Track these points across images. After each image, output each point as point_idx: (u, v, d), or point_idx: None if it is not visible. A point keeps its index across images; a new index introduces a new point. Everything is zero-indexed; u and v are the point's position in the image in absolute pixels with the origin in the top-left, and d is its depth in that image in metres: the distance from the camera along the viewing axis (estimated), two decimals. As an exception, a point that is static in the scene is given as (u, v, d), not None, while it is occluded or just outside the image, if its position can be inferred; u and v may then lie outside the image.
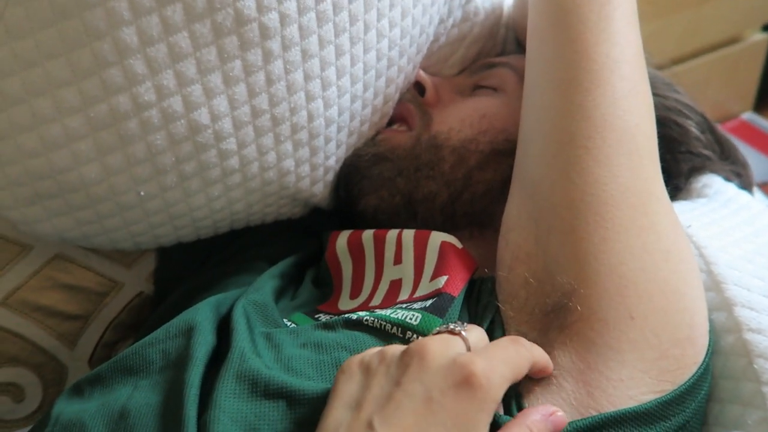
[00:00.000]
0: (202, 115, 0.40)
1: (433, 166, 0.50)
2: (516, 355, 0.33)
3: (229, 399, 0.35)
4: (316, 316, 0.46)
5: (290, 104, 0.43)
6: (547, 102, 0.43)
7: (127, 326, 0.58)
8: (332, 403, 0.31)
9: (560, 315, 0.37)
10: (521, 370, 0.33)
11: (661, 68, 0.63)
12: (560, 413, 0.33)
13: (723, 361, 0.39)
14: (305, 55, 0.42)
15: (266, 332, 0.41)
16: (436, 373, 0.30)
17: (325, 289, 0.51)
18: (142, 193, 0.41)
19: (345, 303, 0.48)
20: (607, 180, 0.39)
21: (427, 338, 0.32)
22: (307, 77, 0.43)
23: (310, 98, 0.44)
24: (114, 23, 0.35)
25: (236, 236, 0.57)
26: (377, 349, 0.34)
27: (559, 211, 0.39)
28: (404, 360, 0.31)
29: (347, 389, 0.31)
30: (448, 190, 0.50)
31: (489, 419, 0.30)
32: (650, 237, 0.38)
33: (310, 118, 0.45)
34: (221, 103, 0.40)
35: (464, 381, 0.30)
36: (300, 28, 0.40)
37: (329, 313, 0.46)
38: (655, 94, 0.54)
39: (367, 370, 0.32)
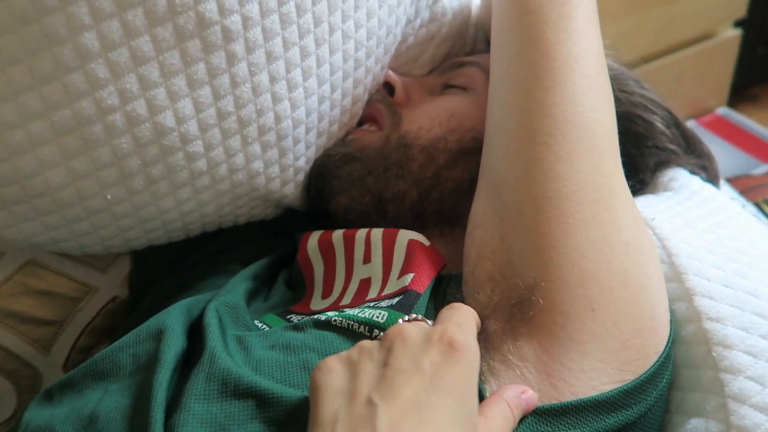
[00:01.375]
0: (167, 118, 0.40)
1: (403, 165, 0.50)
2: (470, 316, 0.35)
3: (199, 401, 0.35)
4: (288, 317, 0.46)
5: (256, 106, 0.43)
6: (510, 100, 0.44)
7: (102, 331, 0.58)
8: (320, 397, 0.31)
9: (524, 308, 0.38)
10: (477, 328, 0.35)
11: (633, 66, 0.64)
12: (531, 392, 0.35)
13: (684, 351, 0.40)
14: (270, 57, 0.42)
15: (238, 335, 0.41)
16: (420, 347, 0.31)
17: (298, 290, 0.51)
18: (109, 197, 0.42)
19: (317, 303, 0.48)
20: (568, 176, 0.39)
21: (400, 324, 0.34)
22: (273, 79, 0.43)
23: (276, 100, 0.44)
24: (74, 28, 0.35)
25: (210, 238, 0.57)
26: (351, 348, 0.34)
27: (522, 207, 0.40)
28: (385, 344, 0.32)
29: (333, 382, 0.31)
30: (418, 189, 0.50)
31: (477, 378, 0.32)
32: (611, 230, 0.39)
33: (278, 119, 0.45)
34: (186, 106, 0.40)
35: (448, 348, 0.31)
36: (263, 30, 0.41)
37: (301, 314, 0.47)
38: (621, 91, 0.55)
39: (349, 362, 0.32)
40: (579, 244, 0.38)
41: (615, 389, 0.35)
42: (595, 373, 0.35)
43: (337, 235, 0.49)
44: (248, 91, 0.42)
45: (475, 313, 0.36)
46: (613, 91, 0.50)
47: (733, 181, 1.05)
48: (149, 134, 0.40)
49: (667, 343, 0.38)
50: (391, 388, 0.30)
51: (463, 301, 0.41)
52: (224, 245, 0.57)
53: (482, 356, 0.37)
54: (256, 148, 0.46)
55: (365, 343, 0.33)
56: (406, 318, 0.35)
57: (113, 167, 0.40)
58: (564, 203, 0.39)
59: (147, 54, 0.37)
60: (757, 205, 0.99)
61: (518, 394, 0.34)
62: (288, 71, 0.44)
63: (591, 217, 0.39)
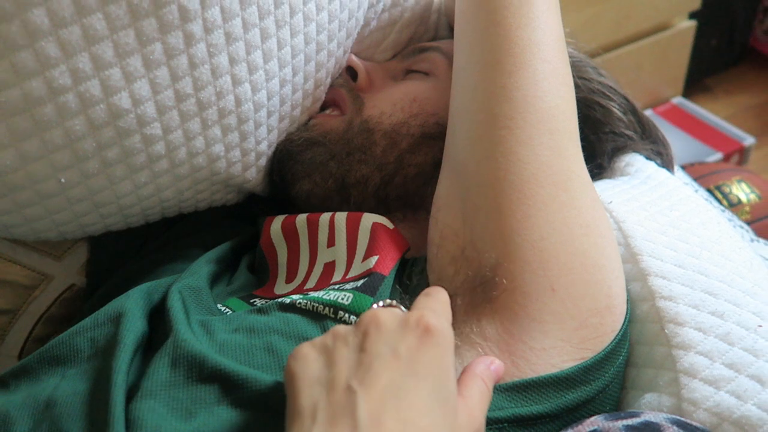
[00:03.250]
0: (123, 100, 0.39)
1: (365, 150, 0.50)
2: (445, 302, 0.35)
3: (163, 385, 0.35)
4: (252, 300, 0.46)
5: (216, 88, 0.43)
6: (472, 84, 0.44)
7: (60, 320, 0.56)
8: (297, 386, 0.30)
9: (486, 288, 0.38)
10: (450, 312, 0.35)
11: (593, 55, 0.65)
12: (498, 361, 0.35)
13: (639, 328, 0.41)
14: (229, 38, 0.41)
15: (201, 319, 0.41)
16: (396, 333, 0.31)
17: (261, 275, 0.51)
18: (62, 180, 0.40)
19: (281, 287, 0.48)
20: (529, 159, 0.40)
21: (374, 309, 0.33)
22: (233, 61, 0.42)
23: (236, 82, 0.44)
24: (22, 4, 0.34)
25: (171, 224, 0.56)
26: (324, 335, 0.33)
27: (484, 189, 0.41)
28: (360, 330, 0.32)
29: (309, 370, 0.31)
30: (381, 174, 0.50)
31: (453, 361, 0.32)
32: (570, 212, 0.40)
33: (238, 102, 0.45)
34: (143, 87, 0.39)
35: (424, 333, 0.31)
36: (222, 10, 0.40)
37: (265, 298, 0.46)
38: (580, 77, 0.56)
39: (324, 349, 0.32)
40: (540, 225, 0.38)
41: (574, 366, 0.36)
42: (555, 351, 0.36)
43: (301, 219, 0.49)
44: (207, 72, 0.42)
45: (448, 298, 0.36)
46: (573, 78, 0.51)
47: (687, 168, 1.08)
48: (104, 116, 0.39)
49: (624, 321, 0.39)
50: (369, 375, 0.29)
51: (427, 284, 0.42)
52: (185, 230, 0.56)
53: None
54: (217, 131, 0.45)
55: (339, 328, 0.33)
56: (381, 304, 0.35)
57: (66, 150, 0.39)
58: (525, 186, 0.39)
59: (100, 33, 0.36)
60: (710, 191, 1.02)
61: (488, 366, 0.35)
62: (248, 53, 0.43)
63: (551, 199, 0.39)
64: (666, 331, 0.39)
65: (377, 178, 0.50)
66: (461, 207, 0.42)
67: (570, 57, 0.55)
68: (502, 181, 0.40)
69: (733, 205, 1.02)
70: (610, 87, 0.58)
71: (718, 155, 1.30)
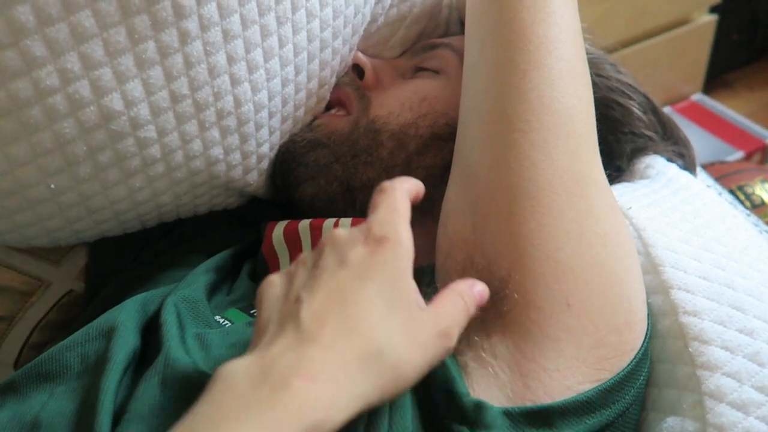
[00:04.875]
0: (114, 101, 0.37)
1: (372, 152, 0.48)
2: (395, 208, 0.34)
3: (152, 408, 0.33)
4: (252, 311, 0.44)
5: (213, 88, 0.41)
6: (484, 84, 0.41)
7: (57, 327, 0.55)
8: (260, 308, 0.32)
9: (497, 302, 0.36)
10: (409, 215, 0.34)
11: (609, 51, 0.62)
12: (481, 285, 0.34)
13: (660, 345, 0.39)
14: (227, 35, 0.39)
15: (197, 333, 0.39)
16: (348, 242, 0.32)
17: None
18: (52, 186, 0.39)
19: None
20: (544, 164, 0.38)
21: (333, 230, 0.34)
22: (231, 59, 0.40)
23: (235, 82, 0.41)
24: (6, 1, 0.32)
25: (171, 228, 0.54)
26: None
27: (496, 196, 0.38)
28: (318, 249, 0.33)
29: (271, 292, 0.32)
30: (388, 177, 0.48)
31: (410, 269, 0.32)
32: (587, 221, 0.37)
33: (237, 103, 0.43)
34: (135, 88, 0.37)
35: (375, 243, 0.31)
36: (219, 6, 0.38)
37: None
38: (598, 75, 0.53)
39: (287, 273, 0.33)
40: (554, 235, 0.36)
41: (593, 389, 0.34)
42: (570, 372, 0.34)
43: (304, 225, 0.47)
44: (204, 72, 0.40)
45: (404, 194, 0.35)
46: (591, 76, 0.48)
47: (708, 167, 1.05)
48: (95, 118, 0.37)
49: (645, 338, 0.37)
50: (316, 283, 0.31)
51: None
52: (185, 235, 0.55)
53: (456, 352, 0.35)
54: (215, 133, 0.43)
55: (305, 253, 0.34)
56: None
57: (56, 153, 0.37)
58: (539, 193, 0.37)
59: (89, 30, 0.34)
60: (732, 192, 0.99)
61: (470, 286, 0.34)
62: (247, 51, 0.41)
63: (567, 207, 0.37)
64: (690, 349, 0.36)
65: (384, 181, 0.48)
66: (471, 213, 0.39)
67: (587, 53, 0.52)
68: (515, 187, 0.37)
69: (756, 207, 0.98)
70: (630, 85, 0.55)
71: (739, 153, 1.26)
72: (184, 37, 0.37)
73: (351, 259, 0.31)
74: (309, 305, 0.29)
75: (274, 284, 0.32)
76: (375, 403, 0.29)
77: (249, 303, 0.46)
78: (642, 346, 0.36)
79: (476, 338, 0.35)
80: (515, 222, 0.37)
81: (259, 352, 0.29)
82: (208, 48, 0.39)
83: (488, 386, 0.34)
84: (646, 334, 0.37)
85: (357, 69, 0.53)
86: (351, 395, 0.28)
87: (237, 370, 0.28)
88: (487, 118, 0.40)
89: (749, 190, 1.00)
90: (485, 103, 0.41)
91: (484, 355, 0.35)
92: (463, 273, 0.38)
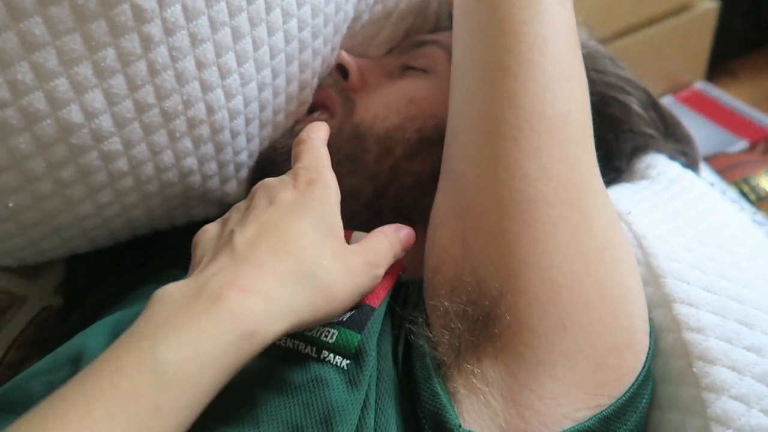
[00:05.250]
0: (73, 113, 0.35)
1: (356, 159, 0.46)
2: (323, 155, 0.37)
3: None
4: None
5: (183, 96, 0.38)
6: (472, 87, 0.39)
7: (35, 344, 0.53)
8: (195, 250, 0.34)
9: (488, 324, 0.34)
10: (329, 162, 0.38)
11: (609, 41, 0.59)
12: (408, 229, 0.38)
13: (663, 363, 0.36)
14: (194, 39, 0.37)
15: None
16: (278, 186, 0.34)
17: None
18: (11, 205, 0.36)
19: None
20: (538, 174, 0.35)
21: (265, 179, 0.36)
22: (200, 65, 0.38)
23: (206, 88, 0.39)
24: (-54, 9, 0.29)
25: (151, 237, 0.52)
26: None
27: (486, 209, 0.36)
28: (250, 195, 0.35)
29: (206, 236, 0.34)
30: (373, 185, 0.46)
31: (337, 208, 0.35)
32: (584, 235, 0.35)
33: (210, 110, 0.40)
34: (95, 99, 0.35)
35: (305, 183, 0.34)
36: (184, 8, 0.35)
37: None
38: (595, 70, 0.50)
39: (222, 220, 0.35)
40: (549, 252, 0.34)
41: (592, 418, 0.32)
42: (567, 399, 0.32)
43: None
44: (171, 79, 0.37)
45: (323, 142, 0.38)
46: (586, 71, 0.45)
47: (710, 160, 1.02)
48: (53, 132, 0.35)
49: (647, 358, 0.35)
50: (248, 218, 0.33)
51: (426, 312, 0.37)
52: (166, 245, 0.52)
53: (445, 377, 0.33)
54: (187, 143, 0.40)
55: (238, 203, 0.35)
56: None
57: (12, 171, 0.35)
58: (532, 206, 0.34)
59: (40, 39, 0.32)
60: (737, 186, 0.96)
61: (395, 230, 0.37)
62: (218, 55, 0.38)
63: (563, 221, 0.34)
64: (694, 369, 0.34)
65: (369, 190, 0.46)
66: (461, 228, 0.37)
67: (583, 47, 0.49)
68: (507, 200, 0.35)
69: (762, 199, 0.95)
70: (628, 80, 0.52)
71: (743, 143, 1.23)
72: (146, 43, 0.35)
73: (282, 198, 0.33)
74: (242, 234, 0.31)
75: (208, 229, 0.34)
76: (307, 321, 0.30)
77: None
78: (644, 367, 0.34)
79: (467, 364, 0.33)
80: (507, 238, 0.34)
81: (193, 276, 0.30)
82: (174, 53, 0.36)
83: (479, 415, 0.32)
84: (648, 353, 0.35)
85: (341, 69, 0.50)
86: (283, 310, 0.29)
87: (172, 290, 0.29)
88: (475, 124, 0.38)
89: (754, 182, 0.97)
90: (474, 109, 0.38)
91: (474, 381, 0.33)
92: (453, 292, 0.35)
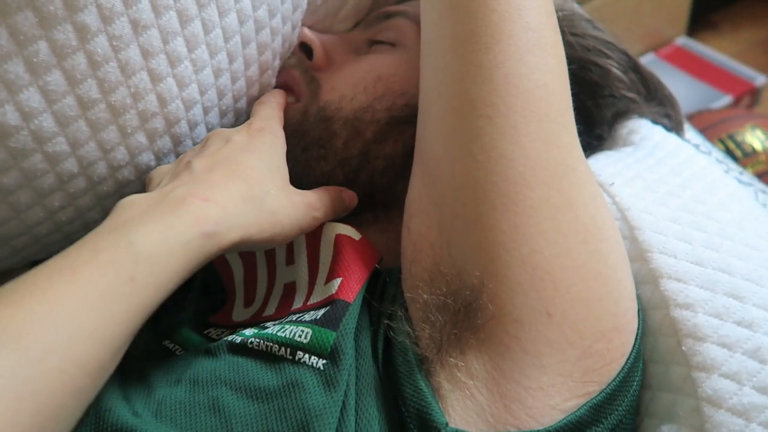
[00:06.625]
0: (8, 114, 0.32)
1: (324, 144, 0.43)
2: (278, 113, 0.42)
3: None
4: (206, 331, 0.40)
5: (130, 88, 0.35)
6: (442, 63, 0.36)
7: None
8: (150, 183, 0.37)
9: (470, 315, 0.32)
10: (282, 121, 0.42)
11: (586, 1, 0.56)
12: (351, 193, 0.42)
13: (652, 342, 0.35)
14: (136, 26, 0.34)
15: (139, 366, 0.35)
16: (232, 131, 0.39)
17: (220, 295, 0.44)
18: (-49, 217, 0.34)
19: (239, 312, 0.42)
20: (515, 155, 0.33)
21: None
22: (146, 54, 0.35)
23: (156, 78, 0.36)
24: None
25: None
26: None
27: (462, 194, 0.34)
28: (204, 140, 0.39)
29: (160, 170, 0.38)
30: (343, 171, 0.43)
31: (284, 152, 0.40)
32: (566, 217, 0.33)
33: (162, 101, 0.37)
34: (32, 98, 0.32)
35: (257, 130, 0.39)
36: (122, -7, 0.32)
37: (221, 327, 0.40)
38: (572, 34, 0.48)
39: (175, 162, 0.38)
40: (530, 237, 0.32)
41: (583, 407, 0.30)
42: (555, 389, 0.30)
43: None
44: (115, 71, 0.34)
45: (280, 105, 0.43)
46: (564, 35, 0.43)
47: (695, 117, 1.00)
48: (-12, 137, 0.32)
49: (635, 339, 0.33)
50: (205, 153, 0.36)
51: (405, 305, 0.35)
52: None
53: (429, 373, 0.32)
54: (140, 138, 0.38)
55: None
56: None
57: (-53, 181, 0.32)
58: (510, 188, 0.32)
59: (-41, 36, 0.29)
60: (722, 143, 0.95)
61: (337, 189, 0.41)
62: (165, 42, 0.35)
63: (543, 202, 0.32)
64: (683, 347, 0.33)
65: (340, 176, 0.43)
66: (437, 214, 0.35)
67: (559, 10, 0.46)
68: (483, 183, 0.33)
69: (748, 155, 0.94)
70: (607, 42, 0.50)
71: (727, 98, 1.21)
72: (82, 34, 0.32)
73: (235, 139, 0.37)
74: (199, 162, 0.35)
75: (161, 167, 0.38)
76: (255, 238, 0.34)
77: (204, 319, 0.42)
78: (633, 349, 0.33)
79: (450, 358, 0.31)
80: (485, 223, 0.32)
81: (155, 190, 0.34)
82: (115, 43, 0.33)
83: (465, 411, 0.30)
84: (637, 334, 0.33)
85: (305, 48, 0.47)
86: (236, 222, 0.33)
87: (136, 198, 0.33)
88: (447, 104, 0.35)
89: (739, 138, 0.96)
90: (445, 86, 0.36)
91: (459, 375, 0.31)
92: (432, 283, 0.34)
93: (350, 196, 0.41)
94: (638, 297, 0.36)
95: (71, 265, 0.28)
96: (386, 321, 0.34)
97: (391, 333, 0.34)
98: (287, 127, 0.44)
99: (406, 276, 0.36)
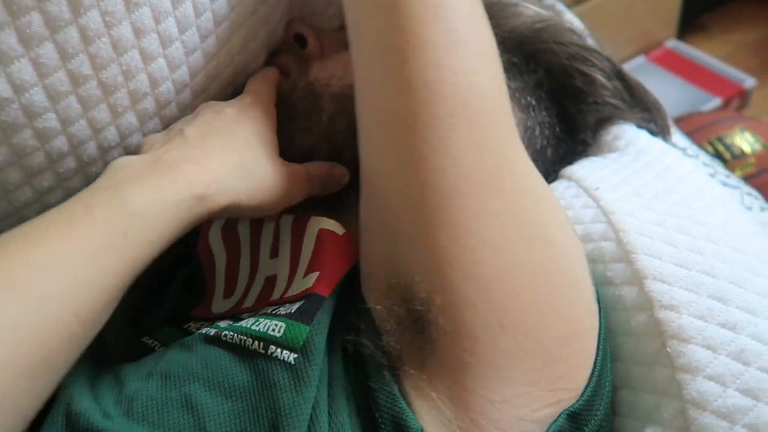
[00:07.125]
0: (0, 87, 0.31)
1: (311, 116, 0.42)
2: (271, 91, 0.42)
3: None
4: (186, 325, 0.39)
5: (122, 66, 0.35)
6: (366, 74, 0.35)
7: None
8: (141, 148, 0.36)
9: (425, 328, 0.31)
10: (274, 99, 0.42)
11: (577, 3, 0.55)
12: (340, 170, 0.41)
13: (635, 344, 0.35)
14: (129, 3, 0.33)
15: (112, 361, 0.34)
16: (223, 102, 0.39)
17: (200, 290, 0.43)
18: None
19: (218, 304, 0.41)
20: (446, 165, 0.31)
21: None
22: (138, 32, 0.34)
23: (147, 58, 0.36)
24: None
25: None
26: None
27: (400, 210, 0.32)
28: (195, 111, 0.39)
29: (152, 137, 0.37)
30: (327, 144, 0.42)
31: (273, 126, 0.39)
32: (509, 223, 0.31)
33: (153, 82, 0.37)
34: (23, 70, 0.31)
35: (249, 103, 0.39)
36: (117, -32, 0.32)
37: (201, 320, 0.40)
38: (555, 42, 0.47)
39: (167, 129, 0.38)
40: (472, 247, 0.30)
41: (561, 417, 0.30)
42: (521, 400, 0.30)
43: (244, 223, 0.42)
44: (107, 47, 0.34)
45: (273, 85, 0.42)
46: (548, 44, 0.42)
47: (684, 119, 1.00)
48: (-25, 110, 0.31)
49: (598, 341, 0.32)
50: (197, 122, 0.37)
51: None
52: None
53: (398, 379, 0.31)
54: (131, 118, 0.37)
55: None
56: None
57: (-68, 155, 0.32)
58: (446, 201, 0.31)
59: (-52, 5, 0.28)
60: (711, 145, 0.95)
61: (329, 165, 0.41)
62: (157, 21, 0.35)
63: (482, 211, 0.31)
64: (668, 349, 0.33)
65: (324, 150, 0.42)
66: (380, 230, 0.34)
67: (541, 20, 0.46)
68: (417, 200, 0.31)
69: (737, 158, 0.95)
70: (591, 50, 0.49)
71: (717, 100, 1.22)
72: (75, 7, 0.31)
73: (226, 111, 0.38)
74: (192, 130, 0.36)
75: (153, 134, 0.38)
76: (243, 203, 0.34)
77: (185, 315, 0.41)
78: (597, 352, 0.32)
79: (411, 370, 0.31)
80: (425, 239, 0.31)
81: (148, 153, 0.34)
82: (107, 19, 0.33)
83: (433, 421, 0.30)
84: (599, 335, 0.33)
85: (299, 39, 0.47)
86: (226, 188, 0.33)
87: (129, 159, 0.33)
88: (375, 118, 0.34)
89: (728, 140, 0.97)
90: (371, 101, 0.34)
91: (425, 386, 0.31)
92: (387, 294, 0.32)
93: (341, 172, 0.41)
94: (621, 297, 0.36)
95: (67, 220, 0.29)
96: (354, 323, 0.33)
97: (360, 336, 0.33)
98: (277, 99, 0.43)
99: (364, 286, 0.35)
